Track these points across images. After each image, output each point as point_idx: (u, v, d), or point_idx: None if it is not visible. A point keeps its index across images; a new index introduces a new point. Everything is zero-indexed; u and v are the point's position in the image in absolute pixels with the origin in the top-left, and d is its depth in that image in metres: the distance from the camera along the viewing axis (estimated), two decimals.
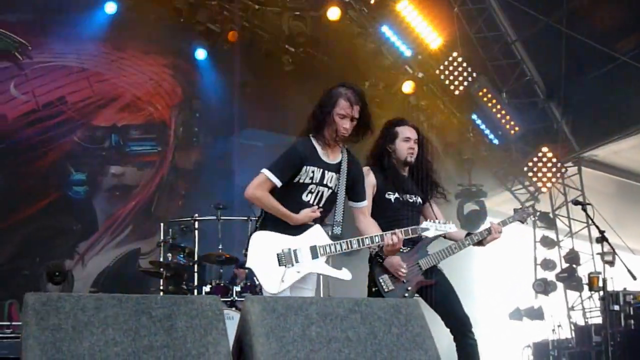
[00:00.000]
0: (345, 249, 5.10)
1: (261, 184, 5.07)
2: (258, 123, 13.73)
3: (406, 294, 5.56)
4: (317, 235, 5.08)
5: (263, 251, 4.97)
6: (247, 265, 5.00)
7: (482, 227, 5.95)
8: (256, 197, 5.07)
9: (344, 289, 10.98)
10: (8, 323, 9.42)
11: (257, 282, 4.93)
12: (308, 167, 5.07)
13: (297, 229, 5.03)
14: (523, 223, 6.22)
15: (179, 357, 3.73)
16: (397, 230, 5.10)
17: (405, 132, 5.92)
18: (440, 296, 5.64)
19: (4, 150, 11.82)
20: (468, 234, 5.81)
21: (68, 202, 12.30)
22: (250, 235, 5.11)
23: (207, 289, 8.86)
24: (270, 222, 5.08)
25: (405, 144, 5.87)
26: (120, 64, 12.95)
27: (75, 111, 12.42)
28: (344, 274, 5.11)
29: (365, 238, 5.13)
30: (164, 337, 3.78)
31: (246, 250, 5.03)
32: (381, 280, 5.62)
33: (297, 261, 4.96)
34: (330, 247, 5.06)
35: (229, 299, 8.47)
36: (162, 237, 10.00)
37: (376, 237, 5.14)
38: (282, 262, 4.92)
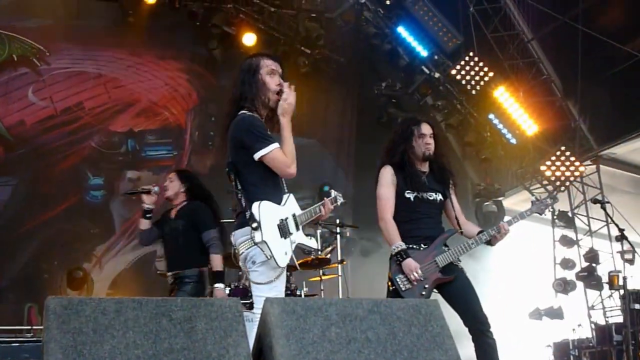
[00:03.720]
0: (311, 217, 4.97)
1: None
2: (274, 126, 13.72)
3: (423, 292, 5.57)
4: (293, 203, 4.89)
5: (269, 223, 4.65)
6: (264, 239, 4.58)
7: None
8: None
9: (361, 291, 11.00)
10: (29, 327, 9.49)
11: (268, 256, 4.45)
12: None
13: (279, 198, 4.80)
14: (542, 215, 6.20)
15: None
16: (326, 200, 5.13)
17: (421, 129, 5.95)
18: (458, 294, 5.64)
19: (23, 155, 11.91)
20: (480, 232, 5.85)
21: (86, 206, 12.38)
22: (250, 205, 4.66)
23: (226, 291, 8.86)
24: (261, 191, 4.76)
25: (422, 140, 5.91)
26: (136, 70, 13.01)
27: (93, 117, 12.50)
28: (313, 243, 4.98)
29: (315, 207, 5.04)
30: (184, 340, 3.79)
31: (256, 223, 4.60)
32: (398, 279, 5.63)
33: (290, 232, 4.75)
34: (305, 215, 4.92)
35: (249, 301, 8.46)
36: None
37: (317, 208, 5.04)
38: (283, 234, 4.70)
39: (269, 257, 4.61)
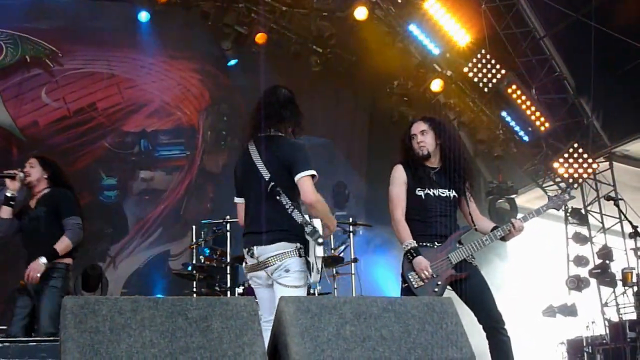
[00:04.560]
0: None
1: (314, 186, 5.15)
2: None
3: (436, 289, 5.58)
4: None
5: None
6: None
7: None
8: (319, 200, 5.11)
9: (374, 289, 11.01)
10: None
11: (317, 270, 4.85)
12: None
13: None
14: (558, 210, 6.19)
15: (215, 358, 3.76)
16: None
17: (412, 129, 6.00)
18: (473, 292, 5.64)
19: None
20: (494, 228, 5.85)
21: (100, 207, 12.43)
22: (311, 220, 5.08)
23: (240, 290, 8.91)
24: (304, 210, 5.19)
25: (414, 141, 5.95)
26: (149, 70, 13.06)
27: (106, 117, 12.55)
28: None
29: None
30: (199, 339, 3.81)
31: (322, 238, 5.02)
32: (410, 277, 5.65)
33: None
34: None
35: None
36: (193, 240, 10.06)
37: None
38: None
39: (318, 272, 5.00)
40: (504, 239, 5.85)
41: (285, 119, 5.41)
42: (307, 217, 5.06)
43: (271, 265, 5.12)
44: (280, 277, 5.10)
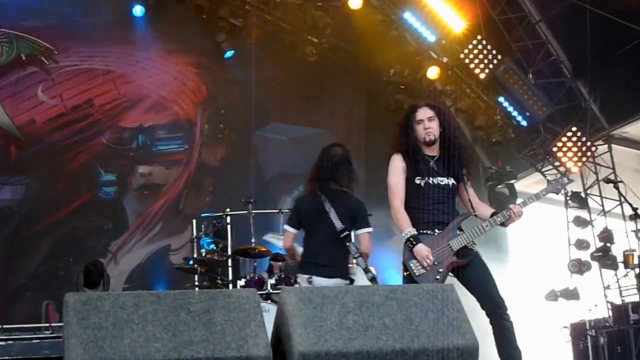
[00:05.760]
0: None
1: None
2: (282, 117, 13.77)
3: (438, 277, 5.57)
4: None
5: None
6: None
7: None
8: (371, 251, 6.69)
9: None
10: (47, 324, 9.55)
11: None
12: None
13: None
14: (558, 194, 6.19)
15: (219, 351, 3.77)
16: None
17: (418, 114, 5.96)
18: (475, 278, 5.65)
19: (35, 154, 11.98)
20: (494, 214, 5.84)
21: (99, 203, 12.45)
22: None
23: (242, 282, 8.91)
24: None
25: (420, 126, 5.91)
26: (144, 65, 13.03)
27: (103, 113, 12.54)
28: None
29: None
30: (203, 332, 3.82)
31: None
32: (412, 265, 5.64)
33: None
34: None
35: (265, 292, 8.51)
36: (194, 233, 10.05)
37: None
38: None
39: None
40: (503, 224, 5.85)
41: (339, 177, 6.55)
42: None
43: None
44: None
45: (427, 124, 5.90)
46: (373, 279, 6.33)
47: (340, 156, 6.59)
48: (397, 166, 5.85)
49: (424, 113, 5.95)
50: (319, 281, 6.28)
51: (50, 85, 12.20)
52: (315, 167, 6.62)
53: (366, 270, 6.38)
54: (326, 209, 6.41)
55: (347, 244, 6.39)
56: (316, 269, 6.37)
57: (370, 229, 6.51)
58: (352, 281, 6.54)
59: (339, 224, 6.36)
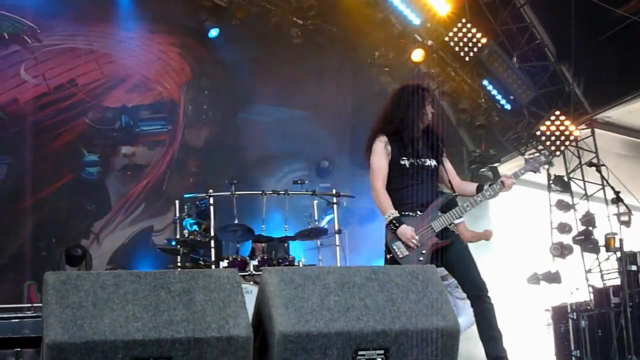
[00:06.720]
0: None
1: None
2: (267, 99, 13.73)
3: (421, 258, 5.56)
4: None
5: None
6: None
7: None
8: None
9: (358, 260, 11.05)
10: (29, 305, 9.52)
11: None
12: None
13: None
14: (536, 173, 6.19)
15: (199, 331, 3.76)
16: None
17: (430, 96, 5.98)
18: (456, 259, 5.66)
19: (17, 133, 11.92)
20: (479, 189, 5.82)
21: (82, 183, 12.42)
22: None
23: (224, 264, 8.89)
24: None
25: (429, 107, 5.89)
26: (128, 45, 12.97)
27: (86, 93, 12.48)
28: None
29: None
30: (183, 312, 3.81)
31: None
32: (395, 247, 5.64)
33: None
34: None
35: (247, 273, 8.50)
36: (177, 214, 10.03)
37: None
38: None
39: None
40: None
41: None
42: None
43: None
44: None
45: (430, 108, 5.91)
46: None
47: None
48: (380, 147, 5.80)
49: (429, 97, 5.98)
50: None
51: (33, 64, 12.12)
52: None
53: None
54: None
55: None
56: None
57: None
58: None
59: None
